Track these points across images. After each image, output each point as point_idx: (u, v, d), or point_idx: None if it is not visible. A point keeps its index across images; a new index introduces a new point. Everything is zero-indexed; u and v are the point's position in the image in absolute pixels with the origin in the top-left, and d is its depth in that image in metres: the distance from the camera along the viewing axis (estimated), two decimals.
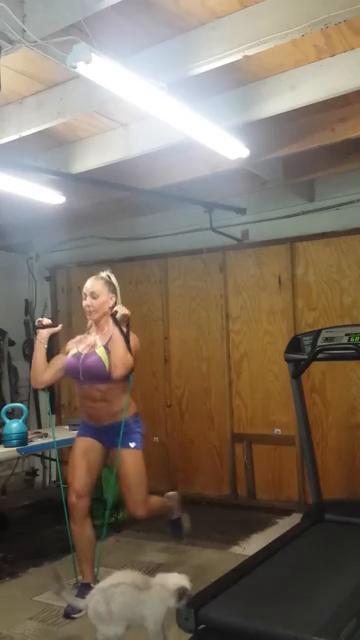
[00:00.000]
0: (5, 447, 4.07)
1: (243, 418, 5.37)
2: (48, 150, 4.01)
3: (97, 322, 3.47)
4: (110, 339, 3.36)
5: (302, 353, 3.83)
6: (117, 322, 3.32)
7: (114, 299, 3.47)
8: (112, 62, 2.29)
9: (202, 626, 2.52)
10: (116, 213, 5.45)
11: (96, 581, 3.36)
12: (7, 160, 3.69)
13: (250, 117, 3.28)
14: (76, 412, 5.97)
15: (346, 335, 3.68)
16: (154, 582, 2.66)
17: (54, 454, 5.87)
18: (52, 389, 6.37)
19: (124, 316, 3.32)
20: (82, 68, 2.21)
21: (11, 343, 6.24)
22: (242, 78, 3.16)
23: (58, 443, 4.22)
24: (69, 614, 3.22)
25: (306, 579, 2.87)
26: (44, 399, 6.42)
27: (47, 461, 6.11)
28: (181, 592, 2.54)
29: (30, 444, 4.23)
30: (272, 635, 2.40)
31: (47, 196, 4.26)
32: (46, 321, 3.56)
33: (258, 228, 5.30)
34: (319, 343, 3.73)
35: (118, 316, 3.31)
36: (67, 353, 3.49)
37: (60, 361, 3.50)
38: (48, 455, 5.81)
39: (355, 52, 2.87)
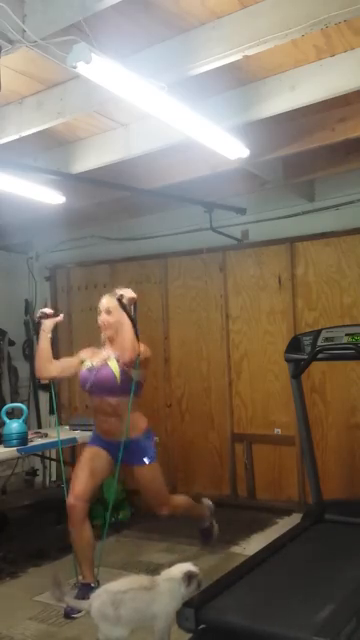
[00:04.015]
0: (5, 447, 4.07)
1: (243, 418, 5.37)
2: (48, 150, 4.01)
3: (111, 338, 3.56)
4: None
5: (302, 353, 3.83)
6: (124, 306, 3.38)
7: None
8: (112, 62, 2.29)
9: (202, 626, 2.52)
10: (116, 213, 5.45)
11: (96, 581, 3.37)
12: (7, 160, 3.69)
13: (250, 117, 3.28)
14: (75, 412, 5.99)
15: (346, 335, 3.68)
16: (160, 578, 2.68)
17: (54, 454, 5.89)
18: (52, 389, 6.37)
19: (130, 299, 3.39)
20: (82, 68, 2.21)
21: (11, 343, 6.23)
22: (242, 78, 3.16)
23: (58, 443, 4.21)
24: (69, 614, 3.22)
25: (306, 579, 2.87)
26: (44, 399, 6.43)
27: (47, 461, 6.10)
28: (188, 576, 2.56)
29: (30, 444, 4.23)
30: (272, 635, 2.40)
31: (47, 196, 4.26)
32: (49, 311, 3.65)
33: (258, 228, 5.30)
34: (319, 343, 3.73)
35: (125, 300, 3.37)
36: (81, 362, 3.58)
37: (70, 362, 3.62)
38: (48, 455, 5.81)
39: (355, 52, 2.87)
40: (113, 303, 3.48)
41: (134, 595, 2.63)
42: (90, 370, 3.51)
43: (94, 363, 3.53)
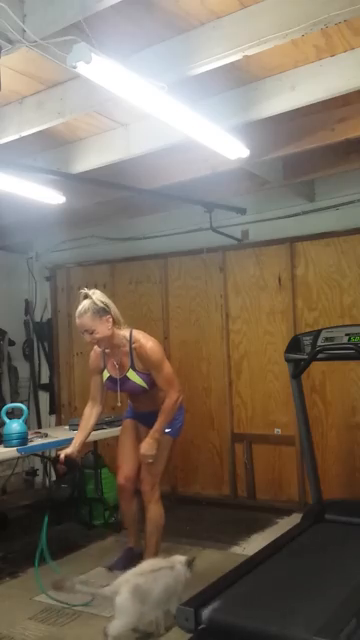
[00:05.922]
0: (5, 447, 4.06)
1: (243, 418, 5.37)
2: (48, 150, 4.01)
3: (111, 346, 3.57)
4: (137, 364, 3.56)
5: (302, 353, 3.83)
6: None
7: (109, 317, 3.48)
8: (112, 62, 2.29)
9: (202, 626, 2.52)
10: (116, 213, 5.45)
11: (139, 549, 3.69)
12: (7, 160, 3.68)
13: (250, 117, 3.28)
14: (76, 412, 5.98)
15: (346, 335, 3.68)
16: (174, 561, 2.97)
17: (54, 454, 5.88)
18: (52, 389, 6.38)
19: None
20: (82, 68, 2.21)
21: (11, 343, 6.23)
22: (242, 78, 3.16)
23: (58, 443, 4.22)
24: (113, 569, 3.60)
25: (306, 579, 2.87)
26: (44, 399, 6.43)
27: (47, 461, 6.10)
28: (190, 562, 2.99)
29: (30, 444, 4.23)
30: (272, 635, 2.40)
31: (47, 196, 4.25)
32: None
33: (258, 228, 5.30)
34: (319, 343, 3.73)
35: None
36: (100, 372, 3.68)
37: (98, 384, 3.72)
38: (48, 455, 5.80)
39: (355, 52, 2.87)
40: (87, 319, 3.42)
41: (163, 573, 2.86)
42: (112, 381, 3.63)
43: (113, 374, 3.63)
